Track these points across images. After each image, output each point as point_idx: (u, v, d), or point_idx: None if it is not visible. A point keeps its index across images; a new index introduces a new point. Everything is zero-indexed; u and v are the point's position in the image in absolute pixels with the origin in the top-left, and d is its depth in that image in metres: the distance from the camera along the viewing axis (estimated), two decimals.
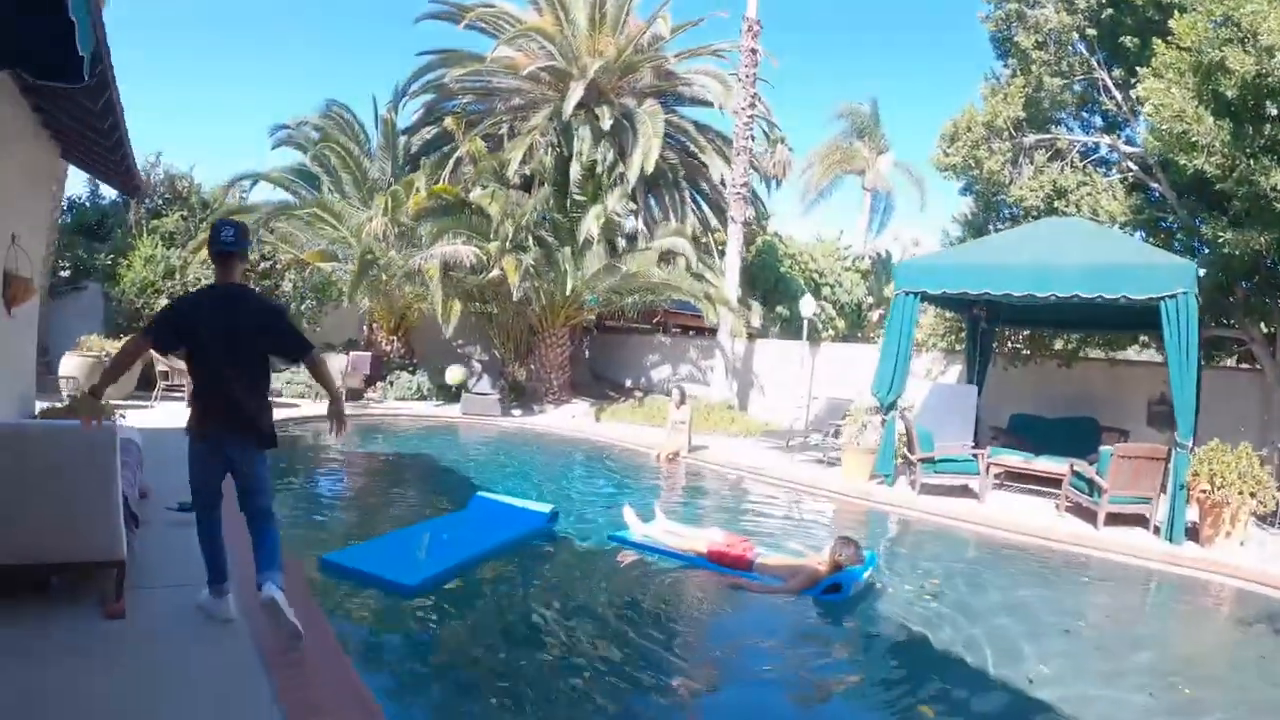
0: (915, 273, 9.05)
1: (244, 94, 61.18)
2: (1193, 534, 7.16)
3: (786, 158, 23.25)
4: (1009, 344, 12.11)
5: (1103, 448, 7.77)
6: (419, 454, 10.61)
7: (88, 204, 14.77)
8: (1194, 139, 7.63)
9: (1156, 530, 7.26)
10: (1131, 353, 13.65)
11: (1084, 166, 11.02)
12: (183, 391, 11.20)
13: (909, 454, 9.00)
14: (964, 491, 8.63)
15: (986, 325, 10.94)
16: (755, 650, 4.45)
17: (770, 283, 20.57)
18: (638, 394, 16.74)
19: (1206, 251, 9.35)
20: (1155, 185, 10.19)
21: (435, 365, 15.77)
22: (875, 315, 21.22)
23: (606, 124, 13.96)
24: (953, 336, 12.81)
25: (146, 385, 11.46)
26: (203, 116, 56.48)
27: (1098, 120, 11.67)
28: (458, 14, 15.76)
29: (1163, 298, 7.19)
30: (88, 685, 2.92)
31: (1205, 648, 5.29)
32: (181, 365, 9.50)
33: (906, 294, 8.84)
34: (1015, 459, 9.01)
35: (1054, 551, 6.95)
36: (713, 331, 15.97)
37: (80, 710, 2.74)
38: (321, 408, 11.52)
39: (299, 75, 62.04)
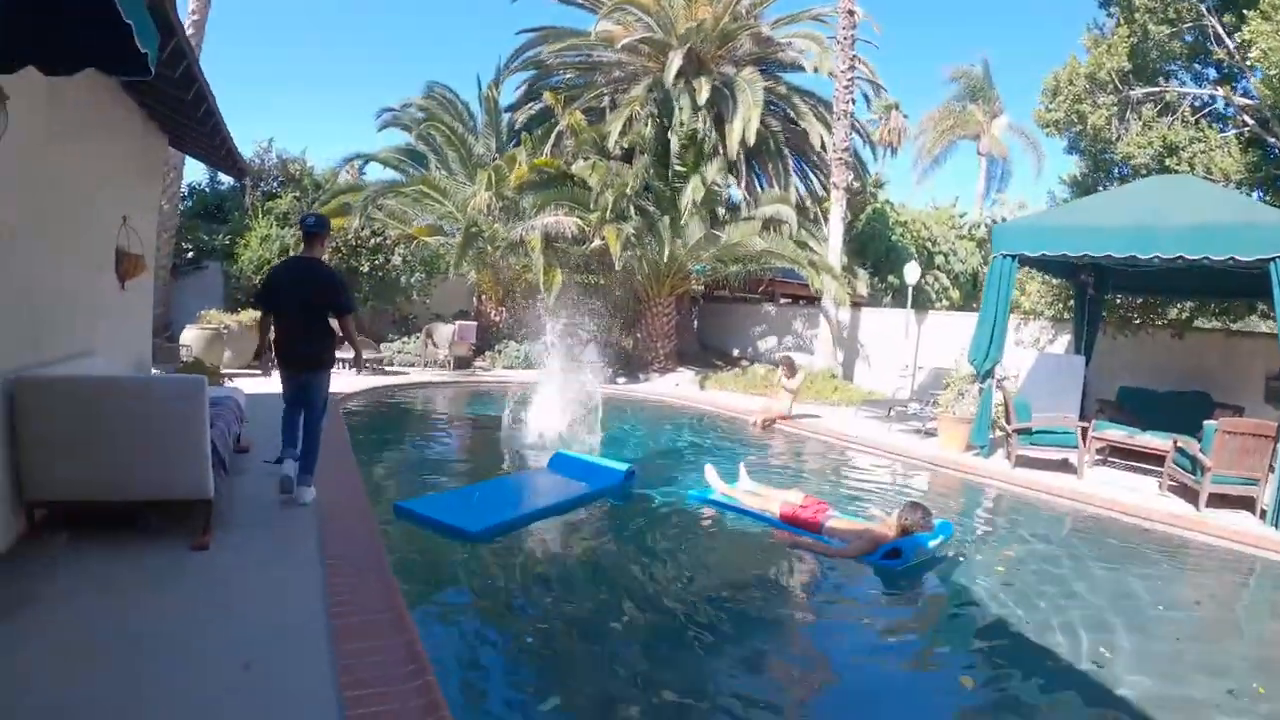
0: (1013, 235, 8.61)
1: (353, 80, 65.03)
2: None
3: (901, 124, 22.19)
4: (1118, 312, 11.21)
5: (1207, 423, 7.15)
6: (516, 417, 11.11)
7: (207, 189, 16.29)
8: None
9: (1263, 514, 6.63)
10: (1252, 322, 12.28)
11: (1196, 121, 10.04)
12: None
13: (1005, 424, 8.55)
14: (1063, 466, 8.22)
15: (1095, 292, 10.19)
16: (809, 607, 4.58)
17: (881, 251, 19.84)
18: (744, 363, 16.67)
19: None
20: (1273, 140, 9.22)
21: (542, 336, 16.43)
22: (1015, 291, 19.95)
23: (704, 94, 13.89)
24: (1060, 305, 11.96)
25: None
26: (315, 103, 60.56)
27: (1211, 72, 10.56)
28: None
29: (1273, 258, 6.61)
30: (171, 607, 3.40)
31: None
32: None
33: (1004, 257, 8.44)
34: (1119, 433, 8.50)
35: (1148, 532, 6.46)
36: (851, 303, 15.66)
37: (163, 627, 3.20)
38: (428, 375, 13.23)
39: (403, 60, 65.39)
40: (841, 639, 4.23)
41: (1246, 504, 6.88)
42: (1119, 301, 11.23)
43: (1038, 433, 8.27)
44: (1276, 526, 6.33)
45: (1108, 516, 6.81)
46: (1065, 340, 11.66)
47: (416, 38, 66.14)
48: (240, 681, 2.79)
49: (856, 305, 15.31)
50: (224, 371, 10.25)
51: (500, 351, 15.59)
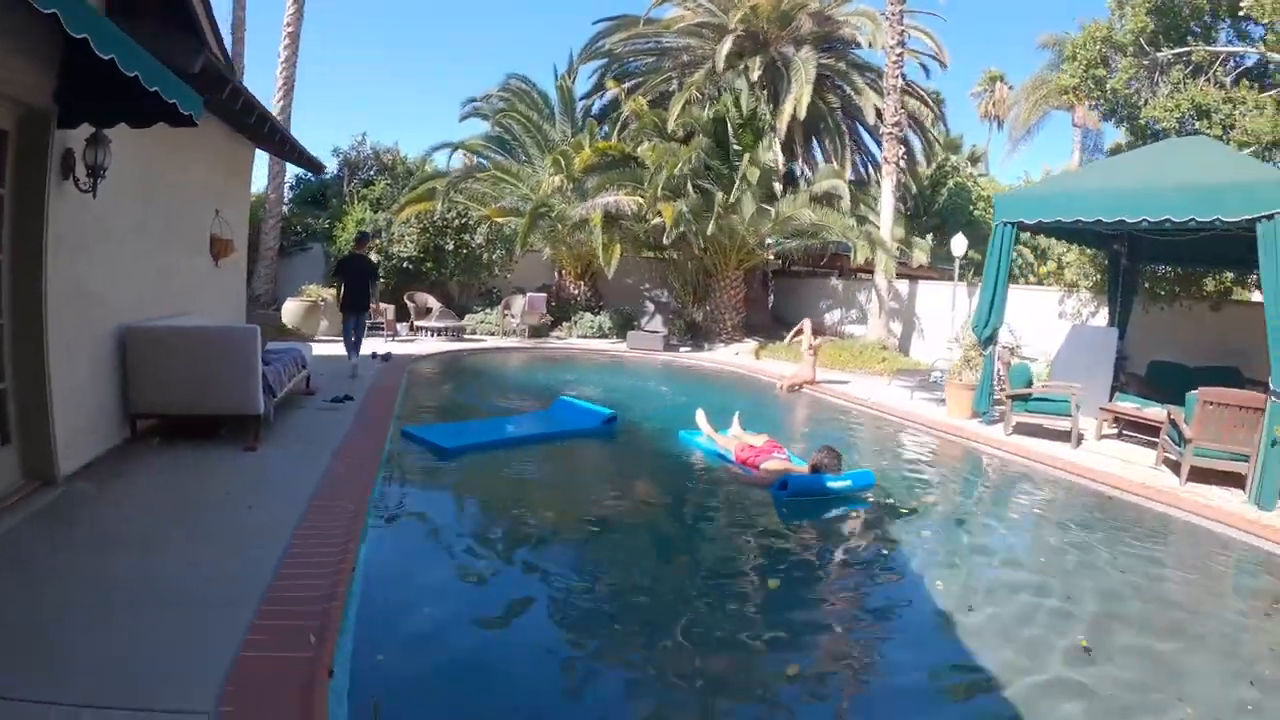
0: (1012, 203, 8.75)
1: (442, 74, 68.86)
2: None
3: (1006, 96, 21.47)
4: (1151, 284, 10.82)
5: (1190, 393, 6.91)
6: (563, 377, 12.18)
7: (313, 180, 18.40)
8: None
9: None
10: None
11: (1234, 81, 9.47)
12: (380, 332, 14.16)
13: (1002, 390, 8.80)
14: (1067, 436, 8.19)
15: (1128, 263, 9.92)
16: (698, 516, 5.51)
17: (963, 225, 19.49)
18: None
19: None
20: None
21: (618, 307, 17.63)
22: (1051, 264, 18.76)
23: (755, 74, 14.37)
24: (1100, 276, 11.60)
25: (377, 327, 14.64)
26: (406, 95, 64.76)
27: (1254, 29, 9.75)
28: None
29: (1259, 219, 6.36)
30: (240, 480, 4.98)
31: (1204, 633, 3.97)
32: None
33: (1004, 224, 8.56)
34: (1128, 406, 8.45)
35: (1121, 503, 6.26)
36: (909, 276, 15.86)
37: (207, 494, 4.71)
38: (502, 342, 14.84)
39: (490, 52, 69.84)
40: (711, 536, 5.16)
41: (1237, 480, 6.49)
42: (1158, 273, 10.87)
43: (1035, 400, 8.40)
44: (1259, 505, 6.00)
45: (1079, 484, 6.73)
46: (1107, 314, 11.42)
47: (506, 32, 69.55)
48: (241, 517, 4.29)
49: (914, 278, 15.38)
50: (318, 337, 12.22)
51: (576, 322, 16.85)
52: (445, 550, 4.58)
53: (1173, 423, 7.20)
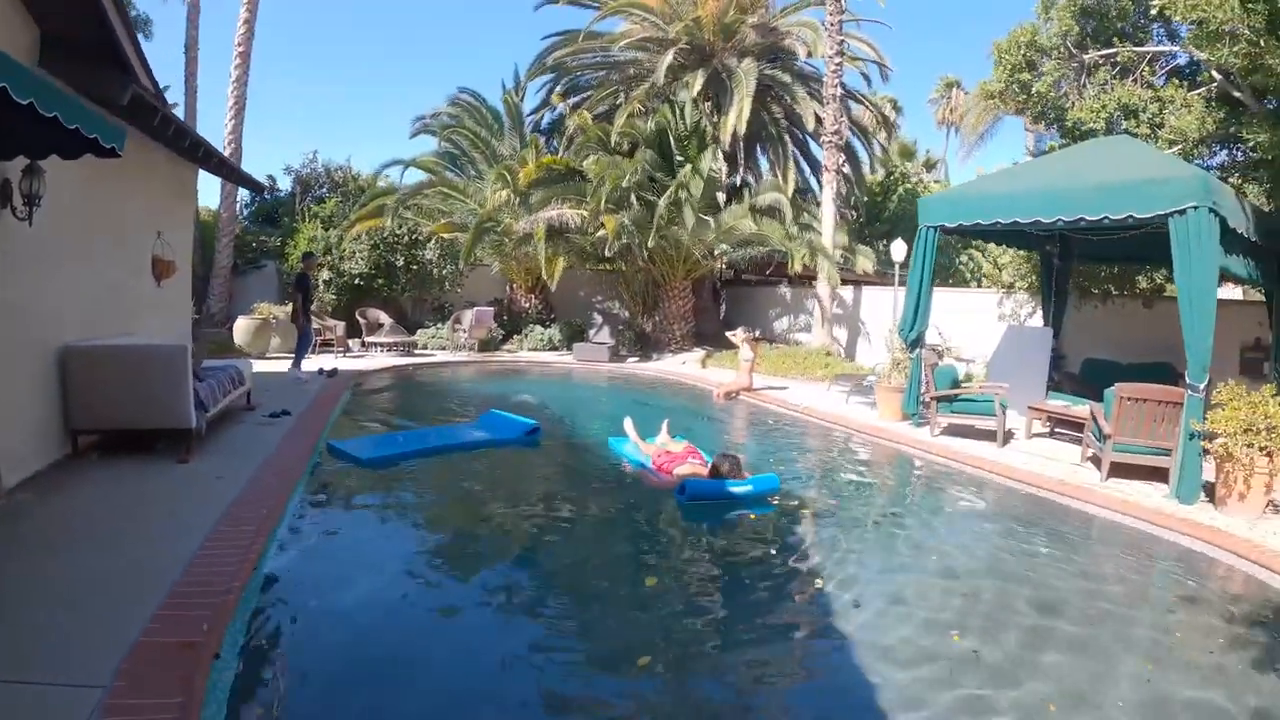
0: (935, 206, 8.85)
1: (393, 90, 68.97)
2: (1212, 495, 6.06)
3: (962, 102, 22.09)
4: (1081, 282, 11.00)
5: (1108, 390, 6.92)
6: (505, 389, 12.23)
7: (267, 198, 18.36)
8: (1215, 27, 6.68)
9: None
10: (1227, 289, 11.66)
11: (1157, 82, 9.60)
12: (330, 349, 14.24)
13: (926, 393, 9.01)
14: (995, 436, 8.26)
15: (1061, 263, 10.11)
16: (611, 536, 5.48)
17: (912, 231, 19.98)
18: (763, 342, 17.39)
19: None
20: (1239, 94, 8.62)
21: (569, 320, 17.75)
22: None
23: (697, 87, 14.64)
24: (1034, 277, 11.96)
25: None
26: (357, 113, 64.74)
27: (1183, 29, 9.72)
28: None
29: (1170, 214, 6.42)
30: (170, 490, 5.18)
31: (1096, 630, 3.86)
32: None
33: (927, 228, 8.70)
34: (1057, 404, 8.59)
35: (1035, 500, 6.29)
36: (853, 282, 16.16)
37: (141, 501, 4.90)
38: (450, 356, 14.84)
39: (440, 70, 69.08)
40: (602, 536, 5.27)
41: (1161, 475, 6.53)
42: (1096, 272, 11.03)
43: (960, 400, 8.49)
44: (1179, 499, 6.05)
45: (995, 482, 6.78)
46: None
47: (455, 47, 70.03)
48: (163, 523, 4.51)
49: (859, 284, 15.76)
50: (269, 355, 12.21)
51: (526, 335, 16.84)
52: (344, 551, 4.73)
53: (1094, 419, 7.21)
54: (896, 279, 13.79)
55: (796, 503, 6.07)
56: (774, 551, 5.04)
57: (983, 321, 12.57)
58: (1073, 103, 9.97)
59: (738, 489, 5.83)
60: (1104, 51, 9.77)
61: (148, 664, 2.81)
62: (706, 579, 4.68)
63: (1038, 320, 11.84)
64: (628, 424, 7.42)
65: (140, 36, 17.61)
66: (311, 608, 3.82)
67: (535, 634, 3.74)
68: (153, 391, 5.70)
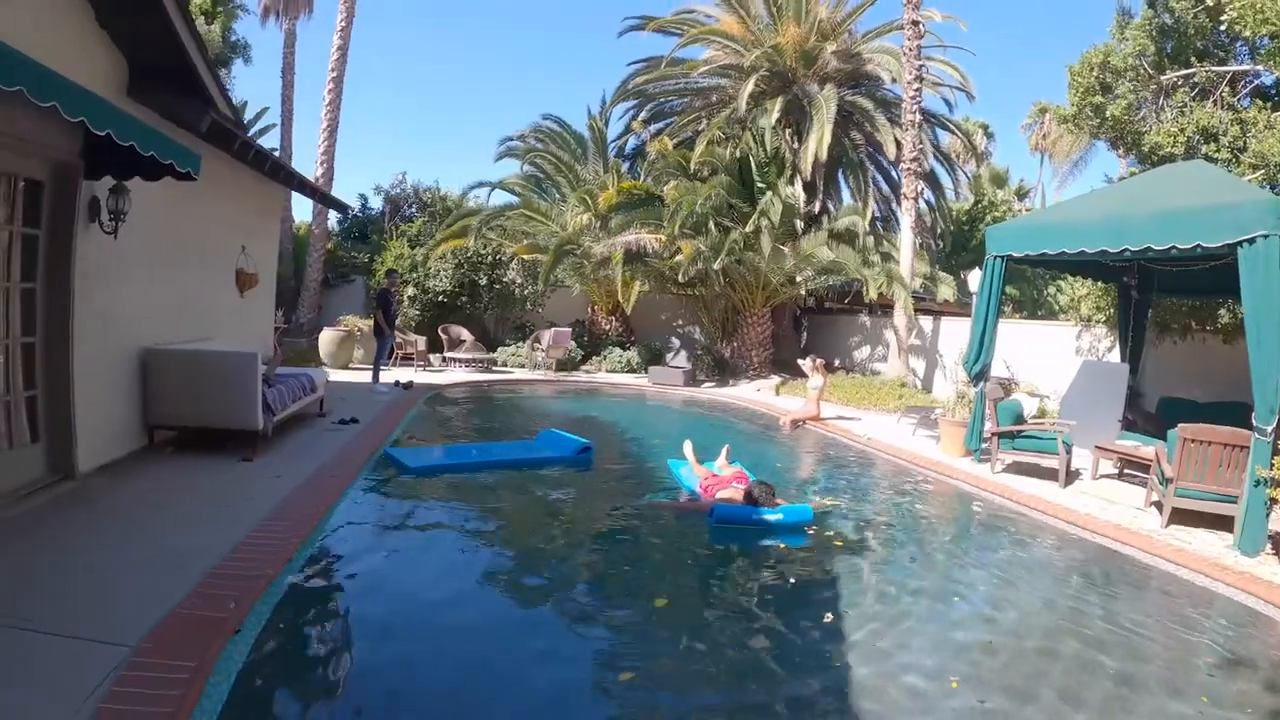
0: (1003, 236, 8.59)
1: (479, 113, 70.83)
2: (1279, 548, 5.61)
3: (1055, 128, 21.32)
4: (1163, 316, 10.36)
5: (1171, 431, 6.57)
6: (573, 408, 12.66)
7: (360, 215, 19.60)
8: None
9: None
10: None
11: (1235, 103, 9.00)
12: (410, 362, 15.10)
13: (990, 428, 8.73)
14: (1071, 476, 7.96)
15: (1139, 295, 9.61)
16: (631, 556, 5.65)
17: None
18: (840, 372, 17.18)
19: None
20: None
21: (648, 343, 18.07)
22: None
23: (775, 114, 14.75)
24: (1112, 310, 11.28)
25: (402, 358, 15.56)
26: (443, 135, 66.47)
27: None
28: (643, 23, 17.64)
29: (1239, 242, 6.04)
30: (230, 485, 5.74)
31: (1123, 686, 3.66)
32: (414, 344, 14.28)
33: (995, 258, 8.45)
34: (1126, 444, 8.15)
35: (1087, 545, 6.02)
36: (933, 312, 15.83)
37: (214, 491, 5.54)
38: (528, 374, 15.47)
39: (526, 93, 70.61)
40: (623, 555, 5.39)
41: (1227, 524, 6.07)
42: (1177, 306, 10.40)
43: (1023, 437, 8.21)
44: (1241, 550, 5.66)
45: (1047, 524, 6.53)
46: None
47: (542, 71, 71.75)
48: (221, 513, 5.01)
49: (938, 314, 15.33)
50: (351, 366, 13.17)
51: (605, 357, 17.28)
52: (379, 552, 5.07)
53: (1158, 461, 6.82)
54: (974, 308, 13.37)
55: (831, 533, 6.03)
56: (793, 580, 5.10)
57: (1060, 356, 12.05)
58: (1150, 126, 9.52)
59: (768, 516, 5.91)
60: (1182, 72, 9.32)
61: (174, 632, 3.24)
62: (724, 603, 4.76)
63: (1117, 355, 11.26)
64: (687, 447, 7.57)
65: (239, 61, 19.37)
66: (337, 600, 4.26)
67: (524, 633, 4.02)
68: (223, 394, 6.35)
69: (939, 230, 18.81)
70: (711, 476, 6.81)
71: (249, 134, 16.96)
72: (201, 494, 5.42)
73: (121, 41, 5.41)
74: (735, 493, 6.40)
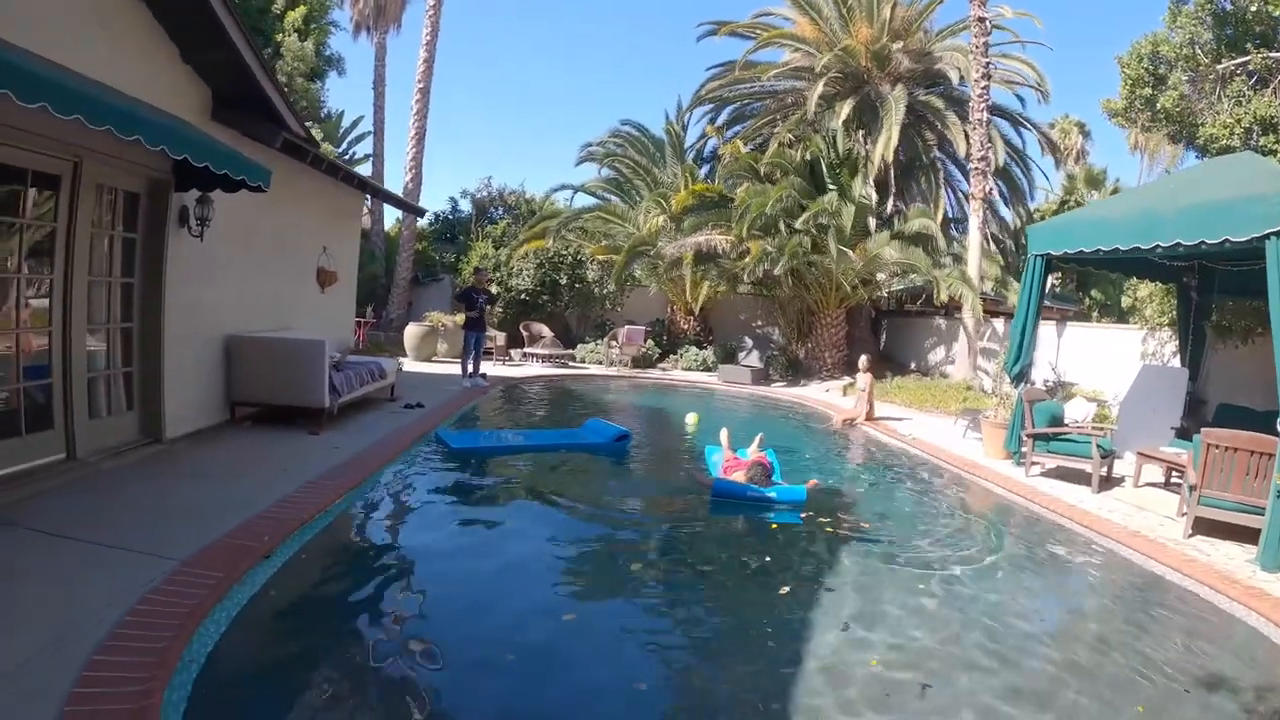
0: (1044, 234, 8.51)
1: (561, 117, 72.07)
2: None
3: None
4: (1223, 318, 9.82)
5: (1196, 435, 6.32)
6: (639, 401, 13.30)
7: (450, 216, 20.87)
8: None
9: None
10: None
11: None
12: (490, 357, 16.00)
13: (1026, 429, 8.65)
14: (1112, 482, 7.92)
15: (1199, 296, 9.23)
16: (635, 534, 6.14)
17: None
18: (914, 374, 17.01)
19: None
20: None
21: (725, 342, 18.48)
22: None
23: (845, 113, 14.84)
24: (1174, 312, 10.68)
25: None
26: (528, 138, 68.72)
27: None
28: (716, 28, 18.04)
29: (1266, 235, 5.77)
30: (293, 452, 6.63)
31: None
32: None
33: (1036, 257, 8.38)
34: (1169, 452, 7.91)
35: (1097, 551, 5.93)
36: (1000, 315, 15.51)
37: (274, 458, 6.40)
38: (602, 370, 16.20)
39: (607, 96, 71.27)
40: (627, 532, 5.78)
41: (1253, 536, 5.70)
42: (1240, 307, 9.87)
43: (1059, 440, 8.13)
44: (1261, 565, 5.37)
45: (1065, 528, 6.44)
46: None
47: (623, 75, 72.78)
48: (279, 474, 5.86)
49: (1008, 316, 14.91)
50: (435, 359, 14.34)
51: (681, 355, 17.79)
52: (406, 510, 5.98)
53: (1190, 469, 6.56)
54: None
55: (826, 520, 6.25)
56: (768, 558, 5.36)
57: (1127, 359, 11.59)
58: (1205, 118, 9.07)
59: (763, 492, 6.43)
60: (1237, 60, 8.82)
61: (214, 554, 4.10)
62: (696, 578, 5.08)
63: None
64: (723, 434, 8.03)
65: (333, 73, 20.82)
66: (361, 543, 5.15)
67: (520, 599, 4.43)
68: (295, 376, 7.38)
69: (1014, 228, 18.15)
70: (733, 459, 7.30)
71: (345, 142, 18.58)
72: (268, 460, 6.31)
73: (203, 73, 6.47)
74: (740, 474, 6.90)
